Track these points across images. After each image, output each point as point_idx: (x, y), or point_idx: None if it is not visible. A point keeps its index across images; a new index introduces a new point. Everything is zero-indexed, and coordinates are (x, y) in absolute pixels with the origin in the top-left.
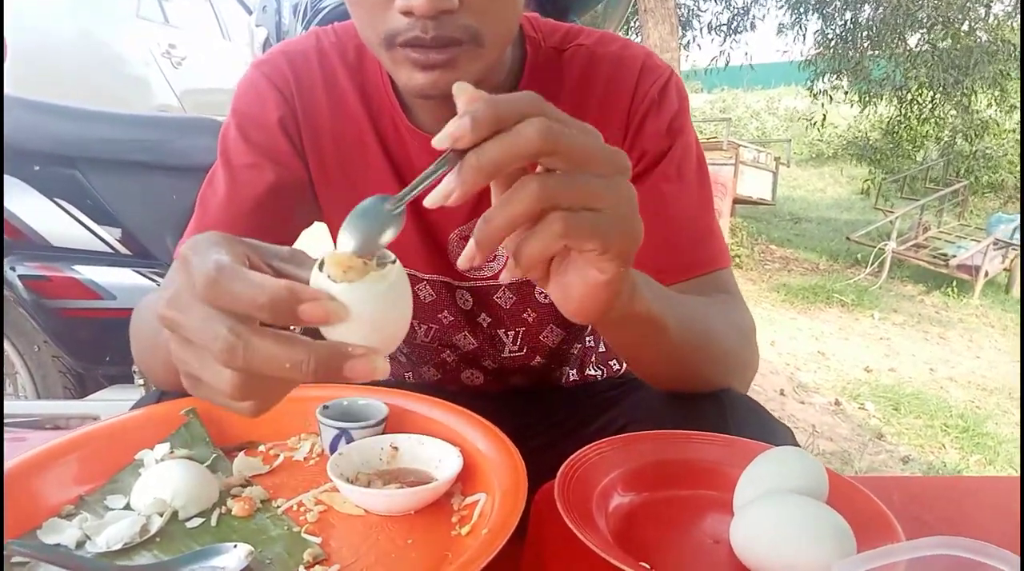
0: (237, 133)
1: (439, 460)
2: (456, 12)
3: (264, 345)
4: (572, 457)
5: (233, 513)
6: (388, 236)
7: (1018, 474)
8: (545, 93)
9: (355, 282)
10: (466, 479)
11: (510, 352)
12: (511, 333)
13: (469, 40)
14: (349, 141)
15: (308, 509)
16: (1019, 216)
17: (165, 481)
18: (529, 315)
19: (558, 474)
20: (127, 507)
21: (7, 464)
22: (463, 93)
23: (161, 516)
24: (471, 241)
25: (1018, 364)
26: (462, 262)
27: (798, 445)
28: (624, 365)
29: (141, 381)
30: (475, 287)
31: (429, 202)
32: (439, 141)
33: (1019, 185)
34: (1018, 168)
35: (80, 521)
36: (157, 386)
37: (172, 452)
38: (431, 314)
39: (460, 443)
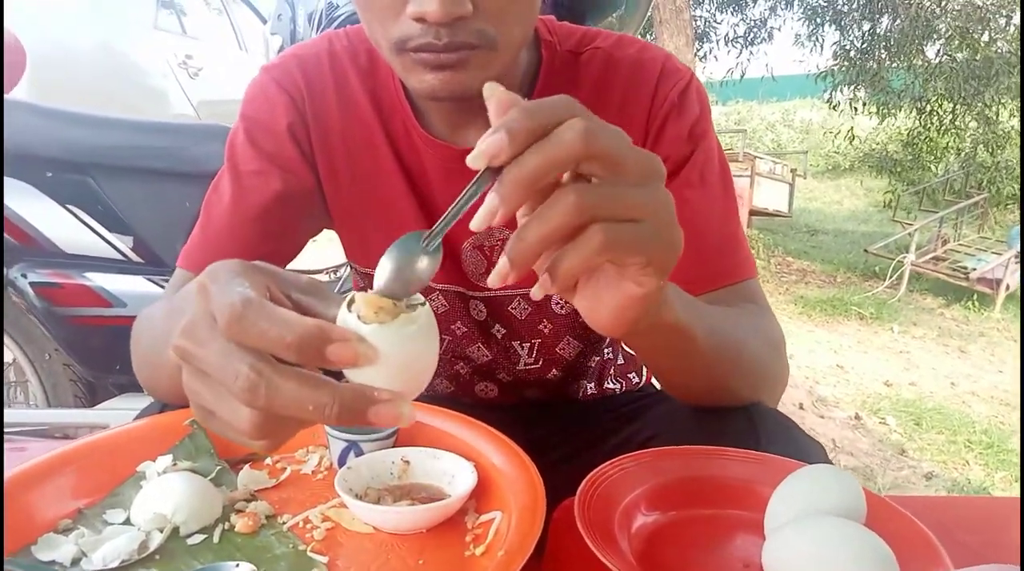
0: (245, 138)
1: (452, 475)
2: (470, 18)
3: (288, 386)
4: (593, 473)
5: (236, 529)
6: (426, 274)
7: None
8: None
9: (385, 324)
10: (481, 496)
11: (525, 364)
12: (526, 345)
13: (483, 45)
14: (360, 145)
15: (315, 526)
16: (1019, 224)
17: (166, 495)
18: (545, 326)
19: (578, 491)
20: (127, 522)
21: (5, 475)
22: (493, 94)
23: (161, 532)
24: (503, 258)
25: None
26: (493, 280)
27: (830, 463)
28: (644, 379)
29: None
30: (489, 297)
31: (475, 225)
32: (474, 160)
33: None
34: None
35: (76, 536)
36: (158, 399)
37: (175, 464)
38: (444, 325)
39: (475, 457)
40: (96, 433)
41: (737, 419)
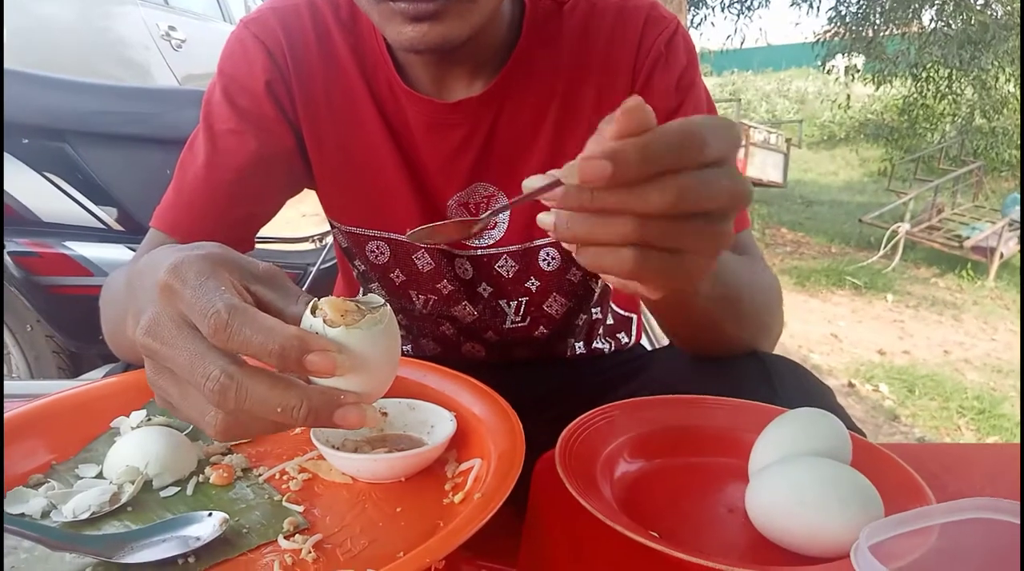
0: (222, 96)
1: (432, 425)
2: None
3: (258, 389)
4: (575, 422)
5: (211, 482)
6: None
7: None
8: (545, 49)
9: (351, 326)
10: (461, 445)
11: (512, 323)
12: (513, 303)
13: None
14: (342, 99)
15: (292, 477)
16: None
17: (140, 449)
18: (532, 284)
19: (560, 438)
20: (99, 476)
21: None
22: (632, 110)
23: (133, 484)
24: (550, 217)
25: None
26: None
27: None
28: (633, 339)
29: None
30: (476, 256)
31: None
32: (567, 173)
33: None
34: None
35: (47, 490)
36: (125, 361)
37: (149, 420)
38: (429, 284)
39: (455, 408)
40: (66, 390)
41: (751, 367)
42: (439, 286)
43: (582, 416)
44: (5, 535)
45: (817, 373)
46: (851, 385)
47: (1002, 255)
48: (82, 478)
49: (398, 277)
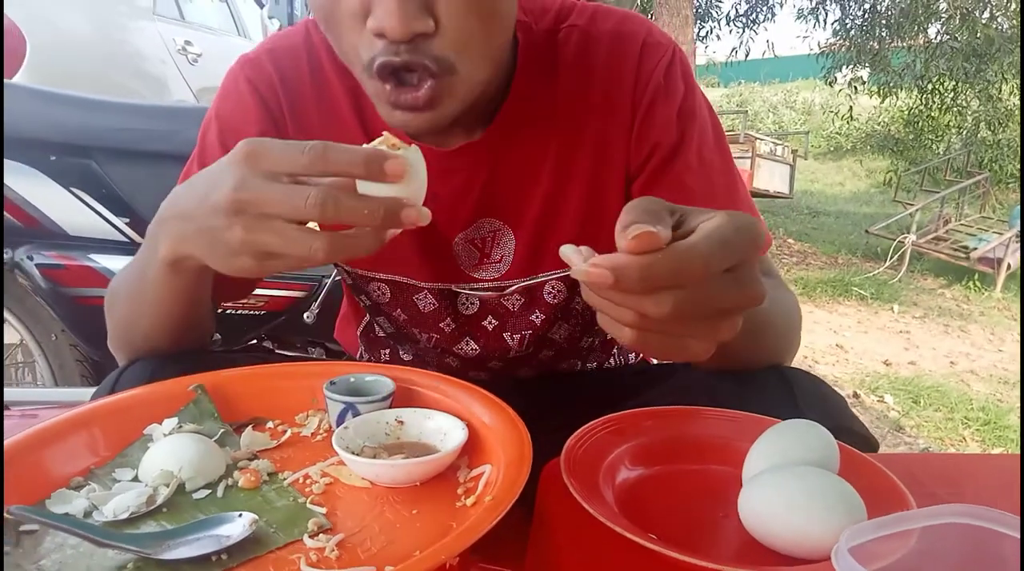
0: (216, 139)
1: (444, 433)
2: (432, 37)
3: (347, 197)
4: (579, 431)
5: (239, 485)
6: None
7: None
8: (542, 81)
9: (401, 150)
10: (472, 452)
11: (516, 353)
12: (517, 336)
13: (442, 72)
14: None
15: (314, 481)
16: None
17: (173, 454)
18: (537, 317)
19: (565, 446)
20: (135, 479)
21: (17, 436)
22: (637, 236)
23: (168, 487)
24: (583, 266)
25: None
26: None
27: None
28: (642, 355)
29: None
30: (482, 290)
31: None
32: (576, 273)
33: None
34: None
35: (88, 491)
36: (134, 353)
37: (180, 427)
38: (431, 323)
39: (466, 417)
40: (102, 399)
41: (772, 381)
42: (441, 325)
43: (586, 426)
44: (52, 532)
45: None
46: (856, 396)
47: (1009, 266)
48: (119, 481)
49: (400, 315)
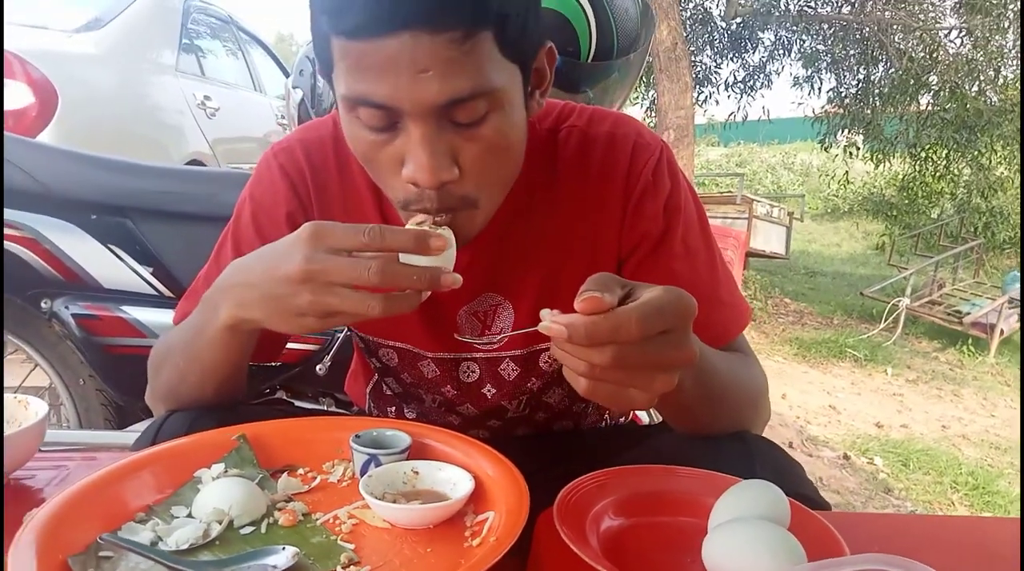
0: (250, 220)
1: (454, 483)
2: (458, 181)
3: (399, 268)
4: (570, 484)
5: (280, 523)
6: None
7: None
8: (543, 178)
9: (440, 230)
10: (477, 500)
11: (513, 414)
12: (515, 401)
13: (466, 207)
14: None
15: (343, 521)
16: (1019, 269)
17: (222, 495)
18: (534, 384)
19: (557, 497)
20: (189, 516)
21: (92, 476)
22: (588, 301)
23: (220, 523)
24: (553, 324)
25: None
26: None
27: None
28: (628, 416)
29: None
30: (483, 358)
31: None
32: (542, 327)
33: None
34: None
35: (152, 525)
36: (177, 405)
37: (226, 471)
38: (435, 388)
39: (472, 469)
40: (159, 446)
41: (733, 446)
42: (444, 390)
43: (576, 480)
44: (127, 558)
45: (814, 444)
46: (847, 457)
47: (1002, 332)
48: (176, 517)
49: (407, 378)
